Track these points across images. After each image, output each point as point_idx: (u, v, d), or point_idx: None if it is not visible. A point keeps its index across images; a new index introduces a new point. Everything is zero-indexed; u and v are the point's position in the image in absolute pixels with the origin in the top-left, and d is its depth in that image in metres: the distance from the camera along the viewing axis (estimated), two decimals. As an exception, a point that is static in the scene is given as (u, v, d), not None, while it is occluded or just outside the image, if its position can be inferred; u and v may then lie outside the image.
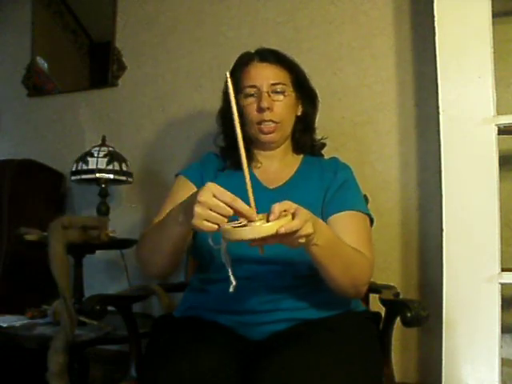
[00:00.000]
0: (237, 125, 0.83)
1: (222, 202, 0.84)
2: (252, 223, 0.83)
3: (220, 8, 1.97)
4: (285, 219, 0.84)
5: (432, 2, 1.41)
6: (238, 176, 1.25)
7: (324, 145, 1.40)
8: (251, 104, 1.22)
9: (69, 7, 2.28)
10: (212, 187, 0.85)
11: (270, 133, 1.23)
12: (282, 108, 1.23)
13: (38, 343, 1.49)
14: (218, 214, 0.84)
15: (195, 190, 1.21)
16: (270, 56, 1.26)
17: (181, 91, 2.01)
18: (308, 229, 0.87)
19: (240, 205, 0.83)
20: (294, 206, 0.87)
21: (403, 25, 1.71)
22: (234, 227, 0.83)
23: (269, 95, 1.21)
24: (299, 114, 1.31)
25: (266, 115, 1.21)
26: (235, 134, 0.84)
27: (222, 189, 0.85)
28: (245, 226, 0.83)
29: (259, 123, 1.22)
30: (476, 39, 1.37)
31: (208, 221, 0.84)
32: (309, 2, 1.84)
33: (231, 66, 1.30)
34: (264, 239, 0.83)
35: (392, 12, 1.73)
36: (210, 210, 0.83)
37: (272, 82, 1.22)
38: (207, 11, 1.99)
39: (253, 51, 1.29)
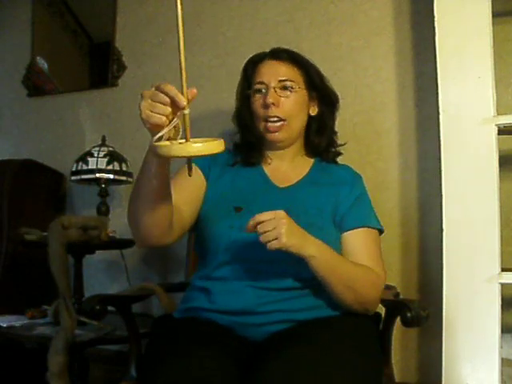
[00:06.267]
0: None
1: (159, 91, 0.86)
2: (184, 142, 0.86)
3: (220, 8, 1.97)
4: (214, 142, 0.86)
5: (432, 2, 1.41)
6: (246, 171, 1.27)
7: (339, 154, 1.35)
8: (258, 100, 1.22)
9: (69, 7, 2.28)
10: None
11: (275, 131, 1.21)
12: (288, 104, 1.21)
13: (38, 343, 1.49)
14: (160, 103, 0.87)
15: (201, 175, 1.23)
16: (281, 54, 1.25)
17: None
18: (278, 221, 0.95)
19: (168, 88, 0.86)
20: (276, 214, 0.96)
21: (403, 25, 1.71)
22: (170, 144, 0.85)
23: (275, 91, 1.20)
24: (313, 113, 1.28)
25: (271, 111, 1.19)
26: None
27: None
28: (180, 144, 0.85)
29: (266, 120, 1.21)
30: (476, 39, 1.37)
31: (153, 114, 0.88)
32: (309, 2, 1.83)
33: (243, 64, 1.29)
34: None
35: (392, 12, 1.73)
36: (152, 101, 0.88)
37: (280, 78, 1.21)
38: (207, 11, 1.99)
39: (267, 51, 1.28)
